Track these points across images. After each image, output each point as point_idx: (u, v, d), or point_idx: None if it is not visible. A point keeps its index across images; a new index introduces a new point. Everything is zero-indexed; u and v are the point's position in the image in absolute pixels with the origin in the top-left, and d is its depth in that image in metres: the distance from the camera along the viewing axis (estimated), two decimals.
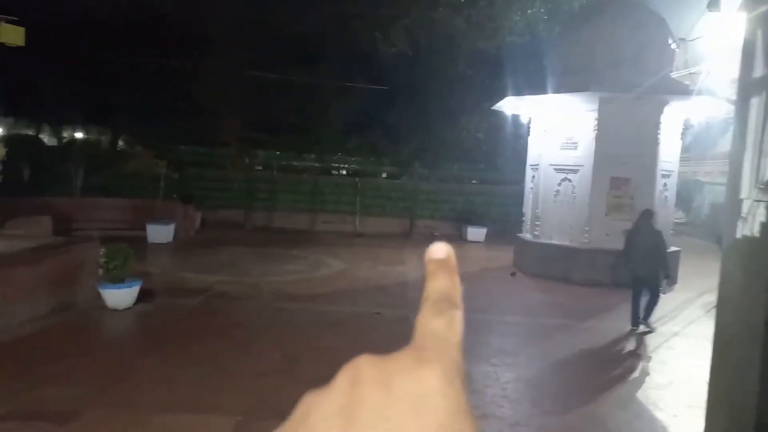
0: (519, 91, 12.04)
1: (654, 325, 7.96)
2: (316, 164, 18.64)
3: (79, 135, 18.95)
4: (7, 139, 14.37)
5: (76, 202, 13.54)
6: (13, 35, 8.58)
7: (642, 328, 7.83)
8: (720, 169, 17.24)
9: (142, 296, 8.01)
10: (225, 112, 19.37)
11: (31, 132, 18.65)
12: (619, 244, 10.86)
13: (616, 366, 6.59)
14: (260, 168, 18.59)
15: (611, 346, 7.40)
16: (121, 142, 19.64)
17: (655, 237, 7.83)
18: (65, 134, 18.37)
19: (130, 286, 7.79)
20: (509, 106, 12.65)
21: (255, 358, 6.09)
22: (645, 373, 6.40)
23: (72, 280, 7.71)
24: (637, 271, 7.84)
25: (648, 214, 8.15)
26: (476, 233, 17.00)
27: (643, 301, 7.81)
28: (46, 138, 18.90)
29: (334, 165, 19.47)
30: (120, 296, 7.67)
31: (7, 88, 15.32)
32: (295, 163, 18.62)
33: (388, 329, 7.49)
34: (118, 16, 16.66)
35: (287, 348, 6.50)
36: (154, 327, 7.28)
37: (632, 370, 6.52)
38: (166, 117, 18.40)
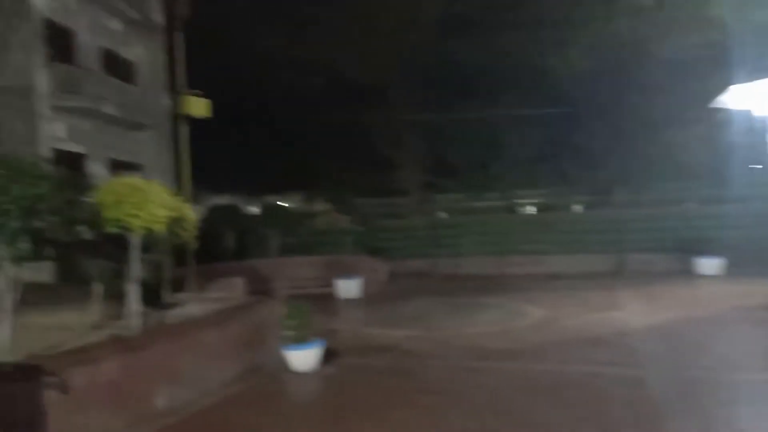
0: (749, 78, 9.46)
1: None
2: (500, 203, 17.30)
3: (274, 201, 20.40)
4: (212, 211, 15.77)
5: (272, 262, 14.10)
6: (201, 108, 9.08)
7: None
8: None
9: (328, 356, 7.41)
10: (403, 161, 19.32)
11: (234, 203, 20.54)
12: None
13: None
14: (443, 213, 17.87)
15: None
16: (311, 203, 20.72)
17: None
18: (263, 201, 19.87)
19: (312, 347, 7.24)
20: (736, 99, 10.03)
21: None
22: None
23: (258, 341, 7.41)
24: None
25: None
26: (710, 265, 13.69)
27: None
28: (249, 206, 20.70)
29: (520, 201, 17.92)
30: (303, 358, 7.13)
31: (210, 166, 17.12)
32: (478, 204, 17.55)
33: (616, 395, 5.70)
34: (296, 85, 17.77)
35: (489, 421, 5.16)
36: (336, 392, 6.51)
37: None
38: (348, 173, 18.93)
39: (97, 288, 6.24)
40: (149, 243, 5.85)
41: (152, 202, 5.41)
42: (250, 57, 16.54)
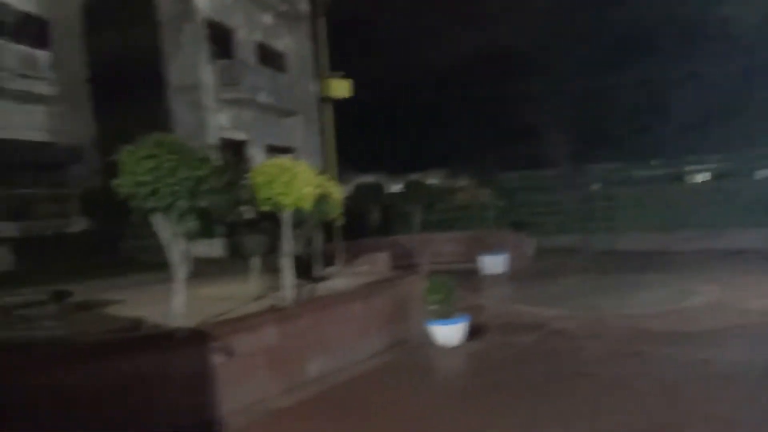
0: None
1: None
2: (666, 171, 15.54)
3: (417, 178, 20.50)
4: (357, 189, 16.31)
5: (415, 238, 14.22)
6: (342, 89, 9.30)
7: None
8: None
9: (474, 332, 7.25)
10: (551, 131, 18.22)
11: (378, 181, 21.06)
12: None
13: None
14: (596, 185, 16.56)
15: None
16: (454, 179, 20.51)
17: None
18: (406, 179, 20.08)
19: (457, 323, 7.12)
20: None
21: (611, 425, 4.43)
22: None
23: (402, 315, 7.48)
24: None
25: None
26: None
27: None
28: (393, 184, 21.10)
29: (690, 168, 15.92)
30: (448, 333, 7.05)
31: (356, 146, 17.67)
32: (638, 174, 15.95)
33: None
34: (437, 60, 17.53)
35: (656, 413, 4.61)
36: (482, 370, 6.33)
37: None
38: (492, 146, 18.37)
39: (256, 262, 6.74)
40: (299, 220, 6.14)
41: (299, 180, 5.63)
42: (391, 35, 16.68)
